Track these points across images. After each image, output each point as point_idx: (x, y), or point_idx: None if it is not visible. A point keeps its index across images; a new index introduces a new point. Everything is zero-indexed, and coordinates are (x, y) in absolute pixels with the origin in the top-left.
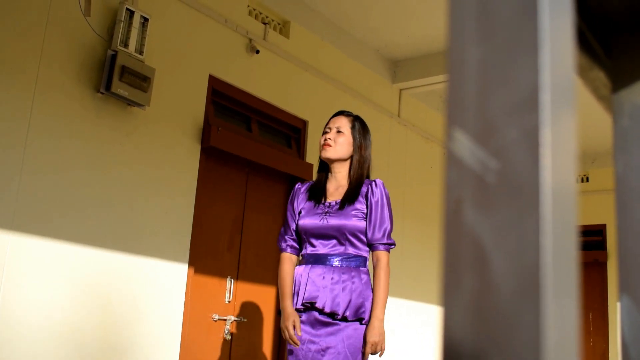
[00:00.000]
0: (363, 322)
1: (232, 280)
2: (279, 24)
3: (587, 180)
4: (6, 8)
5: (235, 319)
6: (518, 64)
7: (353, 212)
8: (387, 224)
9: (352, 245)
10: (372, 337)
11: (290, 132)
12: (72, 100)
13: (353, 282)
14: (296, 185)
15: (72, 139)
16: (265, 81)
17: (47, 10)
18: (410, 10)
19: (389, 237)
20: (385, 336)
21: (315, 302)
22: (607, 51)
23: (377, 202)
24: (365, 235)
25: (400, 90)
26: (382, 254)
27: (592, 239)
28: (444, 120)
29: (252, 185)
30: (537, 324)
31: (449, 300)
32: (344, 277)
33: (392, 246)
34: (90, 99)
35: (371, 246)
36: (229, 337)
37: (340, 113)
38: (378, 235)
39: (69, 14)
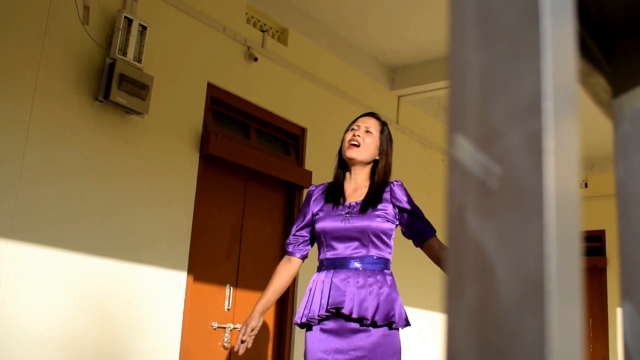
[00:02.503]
0: (393, 326)
1: (231, 288)
2: (277, 31)
3: (586, 186)
4: (4, 17)
5: (235, 326)
6: (520, 69)
7: (376, 213)
8: (423, 217)
9: (375, 247)
10: None
11: (289, 139)
12: (70, 109)
13: (380, 286)
14: (310, 187)
15: (71, 147)
16: (264, 88)
17: (46, 18)
18: (408, 17)
19: (432, 226)
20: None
21: (341, 308)
22: (607, 56)
23: (406, 201)
24: (412, 235)
25: (399, 97)
26: (434, 239)
27: (592, 245)
28: (445, 126)
29: (250, 192)
30: (541, 331)
31: (453, 307)
32: (370, 280)
33: (435, 232)
34: (89, 107)
35: (423, 241)
36: (228, 345)
37: (371, 115)
38: (424, 228)
39: (67, 22)
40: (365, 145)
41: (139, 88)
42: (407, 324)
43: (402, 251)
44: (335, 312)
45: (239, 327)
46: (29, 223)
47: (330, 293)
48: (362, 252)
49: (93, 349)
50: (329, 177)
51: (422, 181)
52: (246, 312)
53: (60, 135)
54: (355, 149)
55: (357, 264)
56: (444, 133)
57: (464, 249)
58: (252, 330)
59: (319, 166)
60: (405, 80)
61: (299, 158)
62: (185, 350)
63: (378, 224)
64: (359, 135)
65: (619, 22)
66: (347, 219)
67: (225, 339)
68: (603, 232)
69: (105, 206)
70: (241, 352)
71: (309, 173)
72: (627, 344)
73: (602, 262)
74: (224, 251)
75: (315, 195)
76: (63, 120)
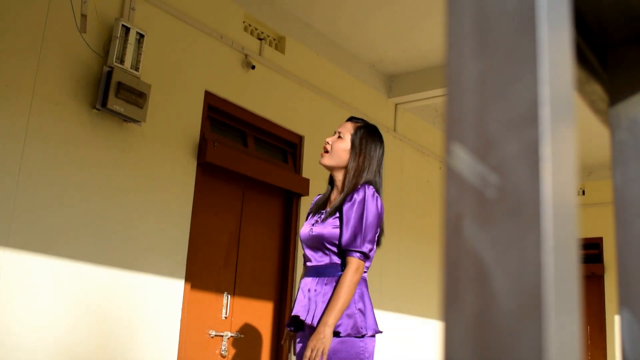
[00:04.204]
0: (340, 335)
1: (229, 296)
2: (274, 39)
3: (583, 193)
4: (2, 25)
5: (232, 334)
6: (517, 78)
7: (332, 221)
8: (355, 229)
9: (337, 254)
10: (311, 341)
11: (287, 147)
12: (68, 117)
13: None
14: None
15: (68, 154)
16: (261, 96)
17: (43, 26)
18: (405, 25)
19: (361, 243)
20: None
21: (299, 316)
22: (604, 64)
23: (350, 206)
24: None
25: (396, 104)
26: (349, 259)
27: (589, 252)
28: (442, 135)
29: (248, 200)
30: (538, 341)
31: (450, 317)
32: (326, 288)
33: (359, 254)
34: (86, 115)
35: (345, 252)
36: (225, 353)
37: (349, 119)
38: (347, 240)
39: (64, 30)
40: (333, 151)
41: (137, 96)
42: (365, 332)
43: (398, 258)
44: (297, 320)
45: (236, 335)
46: (27, 230)
47: (296, 302)
48: (326, 260)
49: (90, 357)
50: (326, 185)
51: (420, 189)
52: (243, 320)
53: (57, 143)
54: (325, 155)
55: (320, 272)
56: (442, 141)
57: (461, 259)
58: None
59: (317, 174)
60: (402, 88)
61: (297, 166)
62: (183, 358)
63: (330, 231)
64: (328, 143)
65: (616, 29)
66: (312, 228)
67: (223, 347)
68: (600, 239)
69: (102, 214)
70: None
71: (307, 181)
72: (625, 352)
73: (599, 270)
74: (221, 259)
75: (311, 205)
76: (60, 127)
